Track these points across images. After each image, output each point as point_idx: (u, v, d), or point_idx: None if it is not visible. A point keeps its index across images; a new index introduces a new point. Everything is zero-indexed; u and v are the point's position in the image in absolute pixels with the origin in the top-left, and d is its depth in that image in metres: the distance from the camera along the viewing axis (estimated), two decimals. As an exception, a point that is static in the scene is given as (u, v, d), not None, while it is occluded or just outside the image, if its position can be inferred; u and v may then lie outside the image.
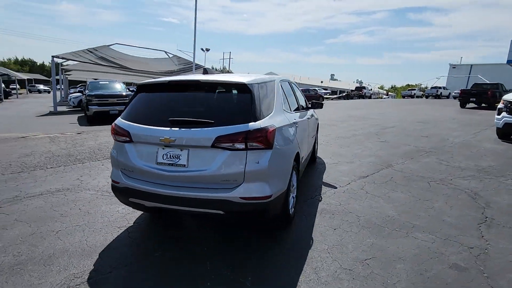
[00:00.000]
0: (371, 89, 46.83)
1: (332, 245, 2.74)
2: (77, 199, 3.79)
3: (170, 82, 2.70)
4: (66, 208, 3.50)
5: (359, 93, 37.80)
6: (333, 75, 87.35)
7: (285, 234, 2.94)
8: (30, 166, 5.27)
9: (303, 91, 25.21)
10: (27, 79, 45.01)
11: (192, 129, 2.39)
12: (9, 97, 29.69)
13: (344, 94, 37.33)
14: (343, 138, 8.05)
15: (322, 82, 61.10)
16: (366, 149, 6.69)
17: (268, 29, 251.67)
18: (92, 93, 12.14)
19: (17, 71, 50.98)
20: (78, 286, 2.17)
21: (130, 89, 19.89)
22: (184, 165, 2.43)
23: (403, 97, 41.28)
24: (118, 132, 2.64)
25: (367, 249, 2.68)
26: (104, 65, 19.21)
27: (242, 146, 2.32)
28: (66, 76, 25.89)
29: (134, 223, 3.17)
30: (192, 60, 23.38)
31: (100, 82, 14.20)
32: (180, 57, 22.83)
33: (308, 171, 5.03)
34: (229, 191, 2.37)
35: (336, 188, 4.24)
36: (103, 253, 2.59)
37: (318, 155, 6.10)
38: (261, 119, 2.46)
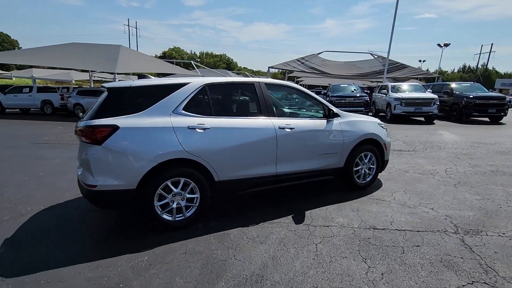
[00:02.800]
0: None
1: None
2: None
3: (102, 86, 3.50)
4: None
5: None
6: None
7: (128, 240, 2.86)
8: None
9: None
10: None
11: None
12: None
13: None
14: (491, 175, 4.72)
15: None
16: (490, 198, 3.71)
17: None
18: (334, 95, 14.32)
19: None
20: (24, 215, 3.43)
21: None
22: None
23: None
24: None
25: None
26: (307, 71, 21.83)
27: (81, 138, 2.76)
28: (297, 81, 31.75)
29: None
30: (400, 61, 20.94)
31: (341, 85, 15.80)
32: (384, 57, 21.10)
33: (319, 197, 3.83)
34: (80, 171, 2.90)
35: (297, 224, 3.07)
36: (65, 203, 3.70)
37: (389, 185, 4.26)
38: (105, 118, 2.69)
